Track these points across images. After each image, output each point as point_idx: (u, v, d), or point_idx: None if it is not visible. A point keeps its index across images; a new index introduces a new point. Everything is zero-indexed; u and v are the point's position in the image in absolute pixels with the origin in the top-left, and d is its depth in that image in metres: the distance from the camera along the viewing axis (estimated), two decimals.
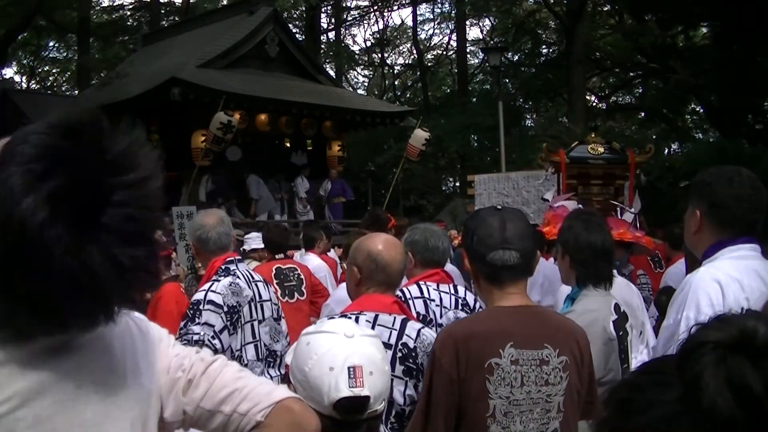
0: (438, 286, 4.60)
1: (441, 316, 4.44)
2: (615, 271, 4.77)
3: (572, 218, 4.24)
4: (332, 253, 10.41)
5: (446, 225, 12.42)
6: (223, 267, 5.00)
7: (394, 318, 3.50)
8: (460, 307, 4.55)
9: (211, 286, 4.87)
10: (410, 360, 3.41)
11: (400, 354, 3.40)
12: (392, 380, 2.87)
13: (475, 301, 4.75)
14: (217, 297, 4.79)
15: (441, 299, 4.52)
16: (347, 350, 2.32)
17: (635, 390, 1.08)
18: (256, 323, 4.98)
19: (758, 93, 22.73)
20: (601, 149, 10.12)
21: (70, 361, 1.63)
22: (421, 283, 4.57)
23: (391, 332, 3.42)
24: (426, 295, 4.50)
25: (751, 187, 3.16)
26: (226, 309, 4.75)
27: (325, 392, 2.27)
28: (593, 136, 10.96)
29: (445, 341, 2.97)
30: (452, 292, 4.63)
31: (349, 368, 2.28)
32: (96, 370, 1.68)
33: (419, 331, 3.51)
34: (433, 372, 2.95)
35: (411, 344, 3.43)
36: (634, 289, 4.83)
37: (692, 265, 6.51)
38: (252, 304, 4.96)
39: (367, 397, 2.28)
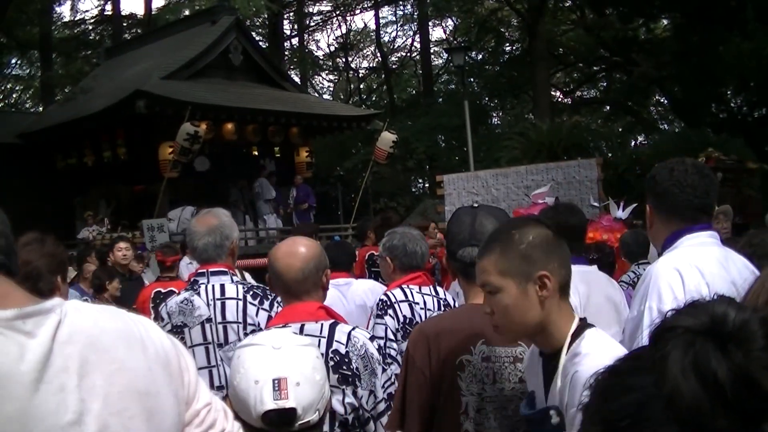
0: (420, 289, 4.63)
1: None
2: (596, 267, 4.85)
3: None
4: None
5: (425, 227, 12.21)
6: (192, 280, 4.47)
7: (321, 325, 3.41)
8: (442, 309, 4.56)
9: (168, 301, 4.47)
10: (344, 367, 3.34)
11: (332, 362, 3.30)
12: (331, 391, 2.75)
13: (455, 301, 4.79)
14: (164, 315, 4.33)
15: (425, 302, 4.54)
16: (272, 362, 2.34)
17: (616, 375, 1.10)
18: (211, 347, 4.26)
19: (720, 82, 22.98)
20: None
21: None
22: (404, 286, 4.60)
23: (319, 341, 3.30)
24: (411, 298, 4.52)
25: (695, 174, 3.19)
26: (169, 328, 4.21)
27: (251, 405, 2.30)
28: (709, 150, 13.90)
29: (417, 338, 2.98)
30: (434, 293, 4.67)
31: (273, 380, 2.30)
32: None
33: (350, 334, 3.43)
34: (407, 369, 2.96)
35: (342, 350, 3.35)
36: (615, 285, 4.82)
37: None
38: (208, 325, 4.26)
39: (293, 409, 2.29)
